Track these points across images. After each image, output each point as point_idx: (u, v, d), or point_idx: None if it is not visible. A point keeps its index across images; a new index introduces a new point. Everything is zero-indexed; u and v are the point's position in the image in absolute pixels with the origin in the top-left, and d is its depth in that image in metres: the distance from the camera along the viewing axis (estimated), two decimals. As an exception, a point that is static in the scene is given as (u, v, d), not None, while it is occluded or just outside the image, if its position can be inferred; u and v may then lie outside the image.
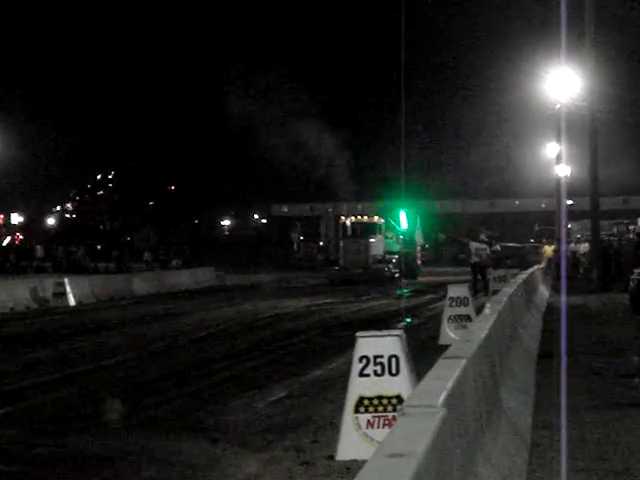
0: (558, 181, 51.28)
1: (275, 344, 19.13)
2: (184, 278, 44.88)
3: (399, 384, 8.62)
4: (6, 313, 29.06)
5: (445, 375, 6.11)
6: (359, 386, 8.70)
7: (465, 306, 17.90)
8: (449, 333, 17.40)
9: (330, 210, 61.07)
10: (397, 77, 56.31)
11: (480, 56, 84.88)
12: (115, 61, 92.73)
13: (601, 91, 40.96)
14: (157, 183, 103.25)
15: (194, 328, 22.99)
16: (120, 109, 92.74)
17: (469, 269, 34.24)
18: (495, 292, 22.59)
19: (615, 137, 71.08)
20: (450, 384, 5.82)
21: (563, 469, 7.84)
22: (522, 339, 14.50)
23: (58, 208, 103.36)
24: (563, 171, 49.98)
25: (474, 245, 33.92)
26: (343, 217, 50.36)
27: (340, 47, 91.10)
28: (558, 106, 45.96)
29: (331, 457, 8.76)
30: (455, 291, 18.19)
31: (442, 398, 5.34)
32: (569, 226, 60.65)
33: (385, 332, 9.02)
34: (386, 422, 8.56)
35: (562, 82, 44.02)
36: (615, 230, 58.02)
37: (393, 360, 8.65)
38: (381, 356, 8.66)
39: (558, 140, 50.95)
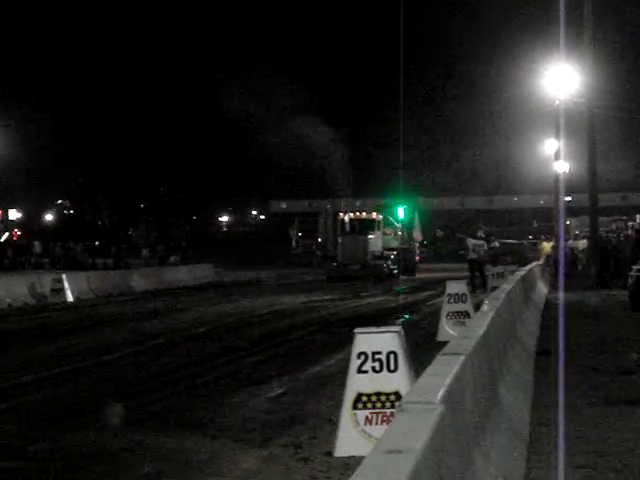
0: (556, 177, 51.31)
1: (273, 340, 19.12)
2: (182, 274, 44.84)
3: (397, 380, 8.61)
4: (4, 309, 29.03)
5: (443, 372, 6.10)
6: (357, 382, 8.70)
7: (463, 302, 17.91)
8: (447, 329, 17.40)
9: (328, 206, 60.99)
10: (396, 73, 56.35)
11: (479, 53, 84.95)
12: (116, 58, 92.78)
13: (600, 87, 40.99)
14: (155, 179, 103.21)
15: (192, 324, 22.97)
16: (119, 105, 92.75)
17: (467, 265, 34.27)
18: (493, 289, 22.58)
19: (614, 134, 71.15)
20: (448, 381, 5.82)
21: (561, 465, 7.84)
22: (520, 336, 14.48)
23: (59, 202, 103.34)
24: (562, 167, 50.01)
25: (472, 242, 33.94)
26: (341, 213, 50.26)
27: (339, 44, 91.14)
28: (557, 103, 45.97)
29: (329, 453, 8.75)
30: (453, 287, 18.20)
31: (440, 394, 5.34)
32: (567, 222, 60.67)
33: (383, 328, 9.01)
34: (384, 418, 8.56)
35: (561, 79, 44.05)
36: (614, 226, 58.11)
37: (391, 356, 8.64)
38: (379, 352, 8.66)
39: (557, 136, 50.94)
